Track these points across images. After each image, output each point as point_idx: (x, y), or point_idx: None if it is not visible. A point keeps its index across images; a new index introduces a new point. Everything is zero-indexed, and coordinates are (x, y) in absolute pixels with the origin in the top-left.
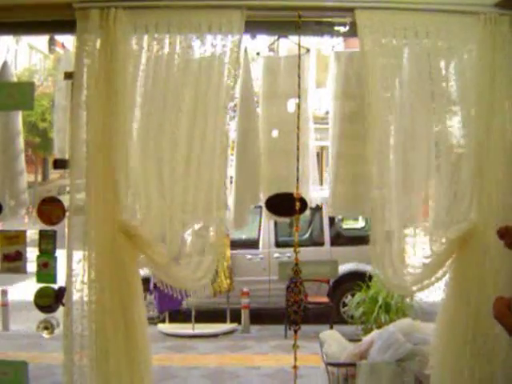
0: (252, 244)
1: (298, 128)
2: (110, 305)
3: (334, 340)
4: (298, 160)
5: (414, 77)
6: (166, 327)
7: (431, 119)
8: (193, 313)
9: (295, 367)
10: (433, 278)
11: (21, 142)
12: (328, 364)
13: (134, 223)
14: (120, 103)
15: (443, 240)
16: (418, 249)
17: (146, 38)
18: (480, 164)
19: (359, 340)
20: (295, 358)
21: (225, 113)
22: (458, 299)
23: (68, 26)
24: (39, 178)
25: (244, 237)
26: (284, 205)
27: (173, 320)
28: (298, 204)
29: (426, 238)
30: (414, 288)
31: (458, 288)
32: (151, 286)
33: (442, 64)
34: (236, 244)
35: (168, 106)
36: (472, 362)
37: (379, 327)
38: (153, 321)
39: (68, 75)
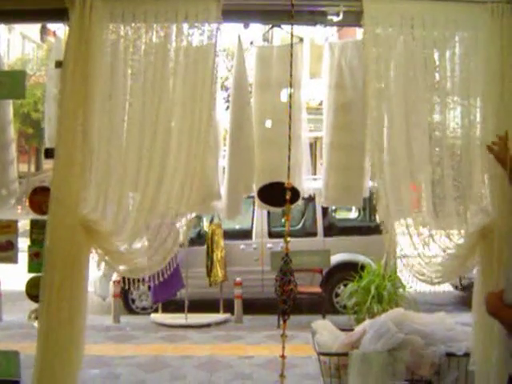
0: (245, 234)
1: (290, 117)
2: (58, 293)
3: (325, 330)
4: (289, 149)
5: (417, 67)
6: (160, 317)
7: (435, 109)
8: (186, 303)
9: (283, 357)
10: (458, 269)
11: (11, 131)
12: (320, 353)
13: (95, 217)
14: (95, 92)
15: (462, 232)
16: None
17: (122, 26)
18: (491, 155)
19: (351, 330)
20: (283, 348)
21: (210, 101)
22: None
23: (60, 15)
24: (32, 168)
25: (237, 227)
26: (276, 195)
27: (166, 310)
28: (289, 193)
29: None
30: (436, 278)
31: (484, 283)
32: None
33: (448, 54)
34: (229, 234)
35: (149, 95)
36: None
37: (372, 317)
38: (146, 311)
39: (59, 64)
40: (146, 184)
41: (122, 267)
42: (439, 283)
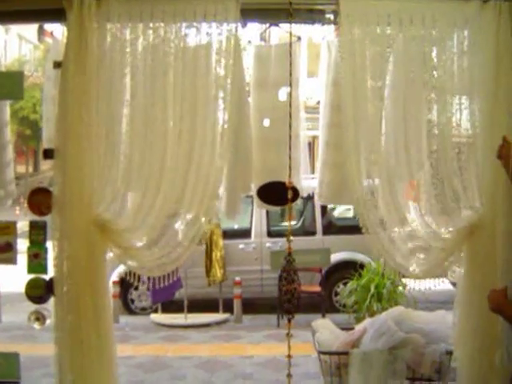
0: (244, 234)
1: (290, 116)
2: (80, 296)
3: (326, 328)
4: (289, 148)
5: (406, 64)
6: (159, 317)
7: (425, 107)
8: (185, 303)
9: (289, 356)
10: (444, 264)
11: (8, 132)
12: (320, 352)
13: (109, 216)
14: (98, 93)
15: (450, 228)
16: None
17: (119, 26)
18: (482, 153)
19: (351, 328)
20: (289, 347)
21: (216, 103)
22: (471, 292)
23: (57, 15)
24: (30, 169)
25: (236, 226)
26: (275, 194)
27: (166, 310)
28: (290, 192)
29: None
30: (421, 272)
31: (471, 280)
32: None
33: (436, 52)
34: (228, 234)
35: (157, 97)
36: (494, 352)
37: (371, 316)
38: (146, 311)
39: (57, 64)
40: (154, 182)
41: (135, 263)
42: (424, 277)
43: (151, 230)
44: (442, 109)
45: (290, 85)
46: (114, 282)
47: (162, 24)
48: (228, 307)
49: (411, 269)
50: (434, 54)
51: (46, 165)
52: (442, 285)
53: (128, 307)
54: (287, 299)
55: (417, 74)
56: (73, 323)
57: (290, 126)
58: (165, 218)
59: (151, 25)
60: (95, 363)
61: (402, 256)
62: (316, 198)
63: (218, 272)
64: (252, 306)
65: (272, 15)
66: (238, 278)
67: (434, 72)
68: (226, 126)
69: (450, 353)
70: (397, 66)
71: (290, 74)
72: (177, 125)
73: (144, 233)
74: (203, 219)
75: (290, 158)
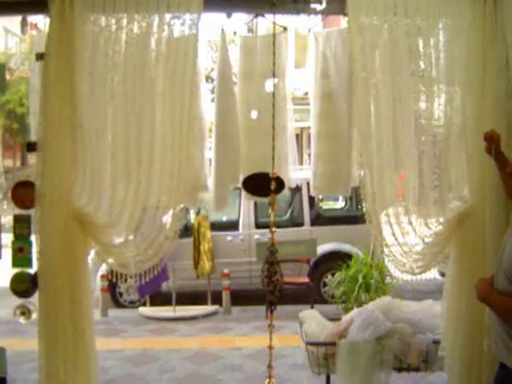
0: (232, 225)
1: (274, 107)
2: (59, 290)
3: (313, 319)
4: (273, 139)
5: (399, 56)
6: (147, 310)
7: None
8: (174, 295)
9: (270, 347)
10: (437, 257)
11: None
12: (307, 343)
13: (88, 210)
14: (80, 84)
15: (441, 219)
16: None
17: (103, 17)
18: (470, 143)
19: (339, 319)
20: (270, 338)
21: (192, 91)
22: (461, 280)
23: (40, 6)
24: (18, 163)
25: (224, 218)
26: (261, 185)
27: (154, 303)
28: (273, 183)
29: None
30: (417, 268)
31: (460, 270)
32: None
33: (432, 42)
34: (216, 226)
35: (131, 86)
36: (481, 340)
37: (359, 306)
38: (134, 304)
39: (40, 56)
40: (135, 176)
41: (114, 260)
42: (420, 273)
43: (130, 223)
44: (431, 99)
45: (274, 75)
46: (102, 276)
47: (147, 15)
48: (216, 299)
49: (408, 266)
50: (420, 45)
51: (33, 159)
52: (430, 274)
53: (116, 301)
54: (270, 291)
55: (404, 65)
56: (50, 317)
57: (274, 117)
58: (141, 211)
59: (136, 16)
60: (71, 358)
61: (402, 252)
62: (304, 189)
63: (206, 264)
64: (241, 298)
65: (257, 6)
66: (226, 270)
67: (421, 62)
68: (210, 117)
69: (437, 342)
70: (385, 56)
71: (274, 64)
72: (158, 116)
73: (123, 227)
74: (181, 212)
75: (273, 148)
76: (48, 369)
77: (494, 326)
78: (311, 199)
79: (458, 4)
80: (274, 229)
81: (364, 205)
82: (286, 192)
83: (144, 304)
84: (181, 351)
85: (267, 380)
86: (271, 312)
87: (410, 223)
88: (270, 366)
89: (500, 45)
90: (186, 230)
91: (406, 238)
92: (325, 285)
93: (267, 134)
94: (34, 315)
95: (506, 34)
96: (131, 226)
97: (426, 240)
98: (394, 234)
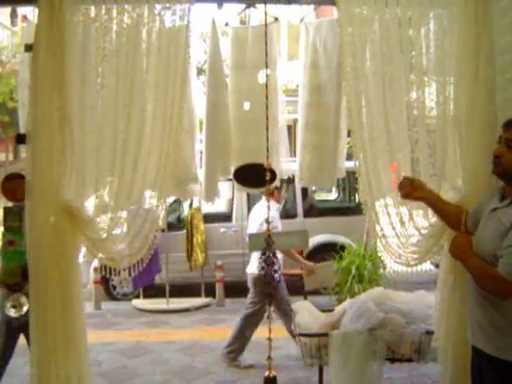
0: (225, 217)
1: (267, 97)
2: (48, 284)
3: (306, 310)
4: (267, 129)
5: (389, 46)
6: (141, 303)
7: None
8: (167, 288)
9: (269, 339)
10: (432, 249)
11: None
12: (300, 334)
13: (76, 204)
14: (69, 76)
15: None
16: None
17: (93, 8)
18: (464, 133)
19: (331, 310)
20: (270, 330)
21: (183, 82)
22: (454, 271)
23: None
24: (10, 156)
25: (217, 210)
26: (252, 176)
27: (147, 296)
28: (268, 174)
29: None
30: (413, 260)
31: (453, 260)
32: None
33: (423, 31)
34: (209, 218)
35: (121, 77)
36: None
37: (353, 297)
38: (127, 297)
39: (29, 47)
40: (122, 168)
41: (103, 255)
42: (416, 265)
43: (115, 217)
44: (422, 89)
45: (266, 65)
46: (95, 269)
47: (137, 5)
48: (210, 291)
49: (403, 258)
50: (411, 35)
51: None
52: (425, 266)
53: (110, 293)
54: (268, 282)
55: (395, 55)
56: (41, 310)
57: (267, 107)
58: (127, 204)
59: (126, 6)
60: (63, 351)
61: (399, 243)
62: (297, 181)
63: (199, 256)
64: (234, 290)
65: None
66: (219, 262)
67: (413, 53)
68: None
69: (429, 333)
70: (375, 46)
71: (266, 55)
72: (148, 107)
73: (108, 221)
74: (165, 204)
75: (267, 139)
76: (39, 362)
77: (469, 311)
78: (304, 191)
79: None
80: (270, 219)
81: (359, 195)
82: (276, 183)
83: (137, 296)
84: (174, 343)
85: (267, 372)
86: (269, 304)
87: (410, 213)
88: (269, 358)
89: (491, 34)
90: (179, 223)
91: (402, 229)
92: None
93: (258, 125)
94: (25, 308)
95: (494, 23)
96: (116, 220)
97: (423, 231)
98: (391, 224)
